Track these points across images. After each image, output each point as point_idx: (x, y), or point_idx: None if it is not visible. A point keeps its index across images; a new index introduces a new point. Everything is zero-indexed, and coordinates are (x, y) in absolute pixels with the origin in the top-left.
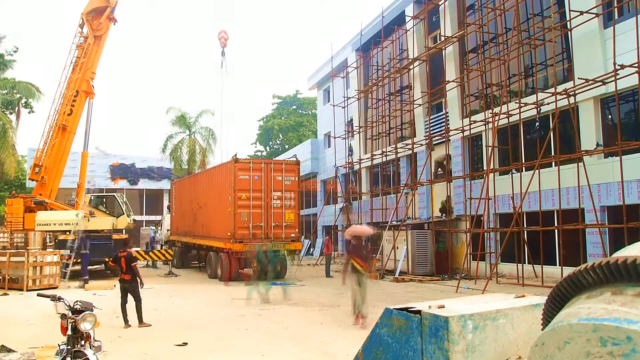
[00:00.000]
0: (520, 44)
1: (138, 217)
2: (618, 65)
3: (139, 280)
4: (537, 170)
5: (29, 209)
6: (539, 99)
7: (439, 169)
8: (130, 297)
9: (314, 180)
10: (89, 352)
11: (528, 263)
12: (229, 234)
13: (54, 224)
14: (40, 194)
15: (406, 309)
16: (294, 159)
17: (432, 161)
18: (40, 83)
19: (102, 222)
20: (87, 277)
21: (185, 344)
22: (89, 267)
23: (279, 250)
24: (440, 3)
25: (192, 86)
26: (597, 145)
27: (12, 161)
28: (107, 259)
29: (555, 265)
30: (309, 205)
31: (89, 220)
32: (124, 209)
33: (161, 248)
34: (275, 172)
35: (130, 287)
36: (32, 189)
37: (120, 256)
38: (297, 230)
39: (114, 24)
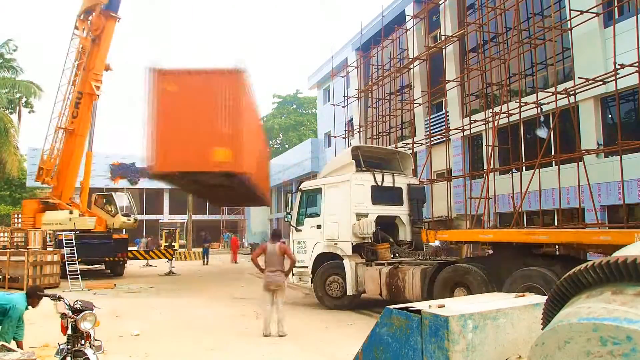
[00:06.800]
0: (521, 43)
1: (138, 217)
2: (618, 64)
3: None
4: (537, 170)
5: (41, 209)
6: (539, 98)
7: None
8: None
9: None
10: (89, 351)
11: None
12: None
13: (53, 224)
14: (54, 196)
15: (406, 309)
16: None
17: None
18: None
19: (86, 222)
20: None
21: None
22: (90, 267)
23: None
24: (440, 2)
25: None
26: (598, 144)
27: (14, 160)
28: (106, 258)
29: None
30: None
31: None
32: (118, 208)
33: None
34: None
35: None
36: (32, 189)
37: None
38: None
39: (118, 22)
